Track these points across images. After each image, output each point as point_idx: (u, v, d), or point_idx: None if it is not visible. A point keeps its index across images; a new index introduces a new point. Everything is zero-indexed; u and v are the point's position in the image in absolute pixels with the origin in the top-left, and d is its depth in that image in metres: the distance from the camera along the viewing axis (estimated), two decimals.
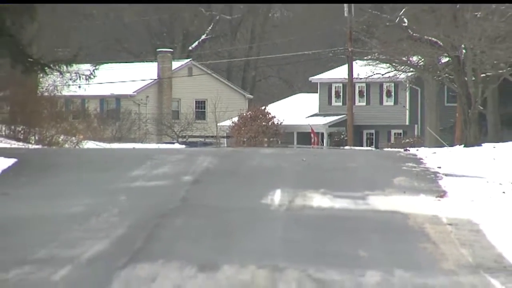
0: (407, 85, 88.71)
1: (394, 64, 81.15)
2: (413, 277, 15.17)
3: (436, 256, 17.22)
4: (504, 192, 23.83)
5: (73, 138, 50.18)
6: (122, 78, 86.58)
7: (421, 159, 31.72)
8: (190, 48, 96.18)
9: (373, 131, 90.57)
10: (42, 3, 41.97)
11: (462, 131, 67.49)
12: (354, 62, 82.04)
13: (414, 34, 74.53)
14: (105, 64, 74.16)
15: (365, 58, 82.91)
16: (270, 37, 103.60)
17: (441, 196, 23.66)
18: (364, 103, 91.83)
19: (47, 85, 55.83)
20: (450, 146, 46.02)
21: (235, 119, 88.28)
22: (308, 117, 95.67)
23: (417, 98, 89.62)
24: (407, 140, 77.70)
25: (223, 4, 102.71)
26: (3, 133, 46.74)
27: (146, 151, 38.11)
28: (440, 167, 28.48)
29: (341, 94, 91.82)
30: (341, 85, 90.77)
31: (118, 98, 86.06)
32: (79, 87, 60.58)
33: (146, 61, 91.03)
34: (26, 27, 53.55)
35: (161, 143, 66.24)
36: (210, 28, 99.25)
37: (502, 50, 68.56)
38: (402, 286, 14.56)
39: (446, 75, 76.29)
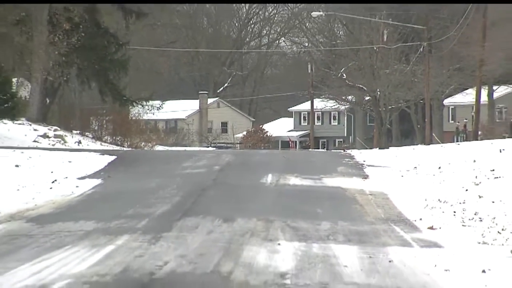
0: (345, 113, 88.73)
1: (337, 100, 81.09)
2: (349, 225, 15.08)
3: (362, 213, 17.14)
4: (402, 176, 23.79)
5: (149, 143, 50.11)
6: (178, 109, 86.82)
7: (353, 156, 31.58)
8: (218, 91, 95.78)
9: (325, 140, 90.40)
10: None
11: (377, 140, 67.34)
12: (314, 99, 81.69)
13: (349, 83, 74.34)
14: (168, 101, 73.95)
15: (321, 97, 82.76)
16: (265, 84, 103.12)
17: (365, 178, 23.61)
18: (320, 123, 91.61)
19: (134, 112, 55.68)
20: (370, 149, 45.78)
21: (244, 133, 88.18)
22: (288, 131, 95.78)
23: (351, 120, 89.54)
24: (345, 145, 77.36)
25: (238, 65, 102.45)
26: (109, 141, 46.57)
27: (192, 152, 37.89)
28: (364, 161, 28.42)
29: (307, 118, 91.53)
30: (306, 113, 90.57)
31: (175, 120, 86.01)
32: (153, 113, 60.45)
33: (192, 99, 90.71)
34: (122, 79, 53.34)
35: (201, 147, 65.91)
36: (230, 79, 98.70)
37: (400, 92, 68.42)
38: (342, 231, 14.47)
39: (368, 107, 76.34)
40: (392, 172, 24.77)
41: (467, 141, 47.00)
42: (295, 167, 26.07)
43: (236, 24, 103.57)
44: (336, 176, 23.82)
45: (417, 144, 49.84)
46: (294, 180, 22.66)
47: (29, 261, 11.35)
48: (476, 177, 21.91)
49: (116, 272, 10.53)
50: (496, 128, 56.18)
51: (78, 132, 46.81)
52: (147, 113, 58.30)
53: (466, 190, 19.87)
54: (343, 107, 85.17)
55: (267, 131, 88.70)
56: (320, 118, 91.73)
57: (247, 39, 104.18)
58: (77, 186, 20.86)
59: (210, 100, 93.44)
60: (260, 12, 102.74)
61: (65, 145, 39.58)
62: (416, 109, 73.08)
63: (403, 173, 24.40)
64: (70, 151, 32.72)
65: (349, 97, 78.61)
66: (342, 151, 43.21)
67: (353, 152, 36.44)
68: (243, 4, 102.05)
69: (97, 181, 22.10)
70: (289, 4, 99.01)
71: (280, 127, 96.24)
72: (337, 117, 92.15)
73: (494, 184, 20.59)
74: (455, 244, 13.40)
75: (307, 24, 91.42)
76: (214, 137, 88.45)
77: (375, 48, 69.89)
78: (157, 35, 77.09)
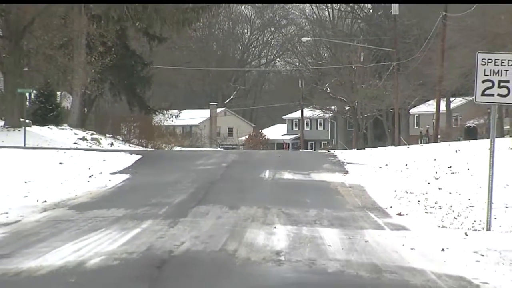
0: (329, 120, 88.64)
1: (323, 110, 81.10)
2: (332, 212, 15.06)
3: (343, 202, 17.11)
4: (375, 171, 23.73)
5: (169, 145, 49.98)
6: (193, 116, 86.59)
7: (336, 155, 31.49)
8: (225, 102, 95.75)
9: (313, 142, 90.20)
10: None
11: (355, 142, 67.27)
12: (304, 109, 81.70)
13: (332, 96, 74.33)
14: (184, 110, 73.94)
15: (309, 107, 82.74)
16: (263, 96, 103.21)
17: (345, 173, 23.54)
18: (309, 129, 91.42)
19: (156, 119, 55.65)
20: (349, 150, 45.73)
21: (246, 136, 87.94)
22: (282, 135, 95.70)
23: (334, 126, 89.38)
24: (329, 146, 77.15)
25: (242, 81, 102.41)
26: (136, 143, 46.55)
27: (203, 152, 37.83)
28: (345, 159, 28.34)
29: (298, 124, 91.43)
30: (297, 120, 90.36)
31: (190, 126, 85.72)
32: (172, 120, 60.44)
33: (204, 109, 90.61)
34: (146, 92, 53.36)
35: (211, 148, 65.88)
36: (235, 92, 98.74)
37: (374, 103, 68.38)
38: (326, 216, 14.44)
39: (348, 115, 76.33)
40: (368, 168, 24.73)
41: (429, 143, 46.88)
42: (288, 165, 26.06)
43: (240, 48, 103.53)
44: (322, 172, 23.77)
45: (388, 146, 49.75)
46: (287, 175, 22.60)
47: (71, 241, 11.36)
48: (436, 172, 21.92)
49: (142, 250, 10.54)
50: (453, 133, 56.09)
51: (110, 135, 46.79)
52: (167, 120, 58.28)
53: (428, 183, 19.88)
54: (327, 115, 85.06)
55: (265, 135, 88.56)
56: (309, 124, 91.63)
57: (249, 59, 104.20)
58: (109, 180, 20.86)
59: (218, 110, 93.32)
60: (259, 38, 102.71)
61: (100, 146, 39.56)
62: (387, 117, 72.99)
63: (376, 169, 24.37)
64: (104, 151, 32.73)
65: (332, 107, 78.61)
66: (326, 151, 43.17)
67: (336, 152, 36.41)
68: (245, 31, 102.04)
69: (126, 176, 22.09)
70: (283, 31, 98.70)
71: (276, 132, 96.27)
72: (322, 123, 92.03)
73: (451, 179, 20.59)
74: (419, 228, 13.40)
75: (298, 48, 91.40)
76: (222, 140, 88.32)
77: (353, 67, 69.93)
78: (175, 56, 77.20)
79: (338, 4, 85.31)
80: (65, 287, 8.52)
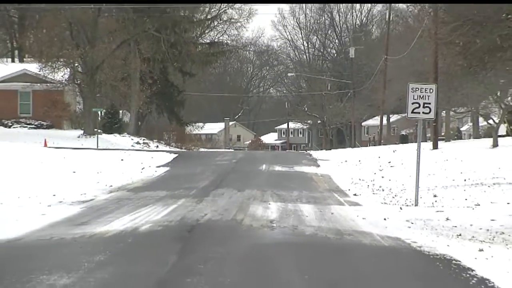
0: (307, 130, 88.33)
1: (302, 123, 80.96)
2: (308, 193, 15.03)
3: (316, 186, 17.10)
4: (338, 165, 23.69)
5: (196, 147, 49.92)
6: (213, 128, 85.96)
7: (311, 154, 31.54)
8: (235, 117, 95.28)
9: (296, 145, 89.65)
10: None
11: (325, 145, 67.06)
12: (289, 122, 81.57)
13: (309, 113, 74.20)
14: (207, 123, 73.66)
15: (293, 121, 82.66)
16: (262, 113, 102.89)
17: (318, 166, 23.52)
18: (293, 136, 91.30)
19: (188, 129, 55.49)
20: (321, 150, 45.69)
21: (249, 141, 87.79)
22: (274, 140, 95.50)
23: (310, 134, 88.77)
24: (306, 148, 77.04)
25: (246, 103, 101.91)
26: (173, 146, 46.45)
27: (220, 152, 37.82)
28: (317, 157, 28.35)
29: (285, 133, 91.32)
30: (285, 130, 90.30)
31: (211, 134, 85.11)
32: (198, 130, 60.32)
33: (221, 122, 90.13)
34: (181, 111, 53.19)
35: (225, 149, 65.80)
36: (241, 111, 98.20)
37: (337, 119, 68.06)
38: (305, 196, 14.40)
39: (320, 127, 75.98)
40: (333, 163, 24.76)
41: (375, 146, 46.76)
42: (278, 161, 26.07)
43: (245, 80, 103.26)
44: (302, 165, 23.76)
45: (347, 148, 49.66)
46: (277, 168, 22.56)
47: (128, 213, 11.36)
48: (380, 166, 21.93)
49: (177, 219, 10.54)
50: (391, 139, 55.82)
51: (156, 140, 46.65)
52: (195, 129, 58.13)
53: (374, 173, 19.90)
54: (305, 127, 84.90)
55: (262, 140, 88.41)
56: (293, 132, 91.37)
57: (251, 88, 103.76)
58: (155, 171, 20.87)
59: (230, 123, 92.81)
60: (258, 73, 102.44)
61: (148, 148, 39.51)
62: (346, 128, 72.66)
63: (339, 164, 24.40)
64: (152, 151, 32.76)
65: (309, 121, 78.49)
66: (304, 151, 43.19)
67: (311, 152, 36.45)
68: (249, 68, 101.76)
69: (167, 168, 22.06)
70: (275, 69, 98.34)
71: (269, 138, 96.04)
72: (302, 132, 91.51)
73: (390, 170, 20.61)
74: (368, 204, 13.40)
75: (285, 80, 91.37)
76: (233, 144, 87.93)
77: (323, 94, 69.88)
78: (201, 86, 77.08)
79: (313, 49, 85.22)
80: (125, 245, 8.52)
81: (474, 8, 9.03)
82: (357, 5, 78.03)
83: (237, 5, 56.33)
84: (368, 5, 77.66)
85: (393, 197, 14.41)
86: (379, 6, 74.02)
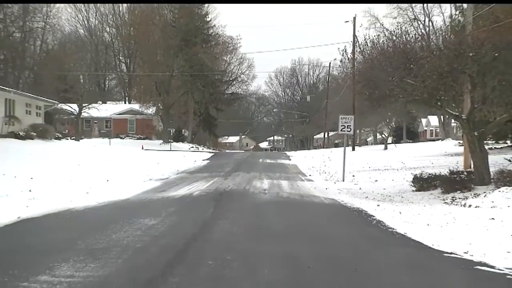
0: (285, 139, 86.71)
1: (281, 136, 79.92)
2: (285, 174, 14.86)
3: (289, 171, 16.80)
4: (302, 159, 23.66)
5: (224, 150, 49.16)
6: (233, 139, 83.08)
7: (287, 153, 31.09)
8: (245, 132, 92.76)
9: (279, 148, 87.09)
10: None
11: (295, 148, 66.03)
12: (275, 136, 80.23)
13: (285, 131, 73.19)
14: (230, 136, 72.22)
15: (276, 135, 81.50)
16: (259, 130, 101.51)
17: (290, 160, 23.14)
18: (277, 143, 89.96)
19: (219, 140, 54.77)
20: (293, 151, 44.99)
21: (253, 146, 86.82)
22: (266, 145, 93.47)
23: (287, 141, 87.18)
24: (284, 150, 75.74)
25: (251, 125, 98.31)
26: (212, 149, 44.55)
27: (237, 152, 37.50)
28: (291, 155, 28.07)
29: (273, 141, 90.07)
30: (272, 140, 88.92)
31: (231, 142, 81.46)
32: (225, 140, 59.59)
33: (236, 136, 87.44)
34: (216, 130, 52.52)
35: (240, 151, 64.68)
36: (249, 129, 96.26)
37: (300, 134, 67.02)
38: (283, 176, 14.21)
39: (292, 138, 74.56)
40: (298, 158, 24.60)
41: (322, 149, 46.38)
42: (268, 157, 25.95)
43: (249, 112, 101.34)
44: (281, 159, 23.50)
45: (306, 150, 49.29)
46: (268, 160, 22.28)
47: (187, 185, 11.33)
48: (323, 160, 21.82)
49: (213, 188, 10.50)
50: (330, 145, 55.16)
51: (203, 146, 46.20)
52: (223, 140, 57.57)
53: (321, 164, 19.82)
54: (283, 138, 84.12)
55: (260, 146, 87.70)
56: (276, 141, 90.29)
57: (253, 117, 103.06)
58: (202, 162, 20.75)
59: (242, 136, 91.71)
60: (257, 109, 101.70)
61: (198, 150, 39.25)
62: (307, 139, 72.19)
63: (303, 158, 24.24)
64: (200, 152, 32.62)
65: (285, 135, 77.82)
66: (283, 152, 42.94)
67: (286, 152, 36.24)
68: (253, 106, 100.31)
69: (208, 161, 21.83)
70: (267, 107, 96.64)
71: (264, 144, 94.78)
72: (282, 141, 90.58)
73: (330, 162, 20.50)
74: (318, 180, 13.36)
75: (272, 113, 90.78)
76: (244, 148, 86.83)
77: (292, 120, 69.34)
78: (227, 115, 75.74)
79: (287, 96, 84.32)
80: (184, 202, 8.53)
81: (374, 74, 9.17)
82: (312, 72, 77.19)
83: (246, 72, 56.29)
84: (317, 72, 76.93)
85: (330, 177, 14.41)
86: (322, 74, 72.80)
